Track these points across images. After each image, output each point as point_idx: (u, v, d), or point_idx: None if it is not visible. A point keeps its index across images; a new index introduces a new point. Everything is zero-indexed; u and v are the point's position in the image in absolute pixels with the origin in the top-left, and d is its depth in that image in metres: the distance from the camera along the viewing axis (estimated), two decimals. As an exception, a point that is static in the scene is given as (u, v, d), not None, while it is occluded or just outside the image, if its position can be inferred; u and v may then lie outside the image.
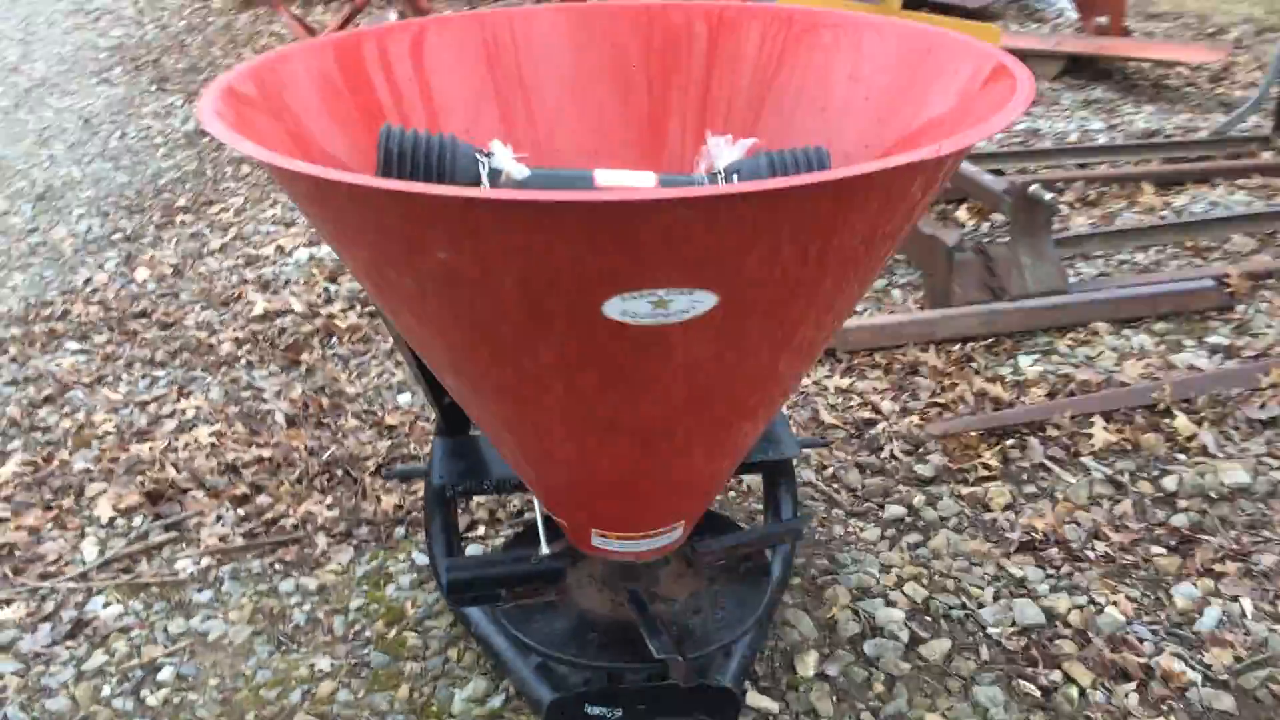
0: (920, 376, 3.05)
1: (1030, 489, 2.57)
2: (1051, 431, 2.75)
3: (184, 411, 3.00)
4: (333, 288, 3.65)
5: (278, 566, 2.40)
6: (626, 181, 1.76)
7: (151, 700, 2.05)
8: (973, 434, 2.75)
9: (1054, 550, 2.36)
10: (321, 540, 2.46)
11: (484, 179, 1.71)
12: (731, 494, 2.59)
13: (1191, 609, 2.18)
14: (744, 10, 1.84)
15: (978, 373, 3.05)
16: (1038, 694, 2.01)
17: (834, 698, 2.03)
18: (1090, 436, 2.72)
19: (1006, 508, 2.51)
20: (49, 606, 2.30)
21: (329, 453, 2.76)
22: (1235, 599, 2.20)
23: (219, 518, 2.55)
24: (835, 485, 2.62)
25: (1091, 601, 2.21)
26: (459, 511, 2.50)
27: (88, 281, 3.92)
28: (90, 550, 2.46)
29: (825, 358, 3.15)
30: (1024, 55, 6.14)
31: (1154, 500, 2.51)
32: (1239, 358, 3.06)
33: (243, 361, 3.28)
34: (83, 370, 3.27)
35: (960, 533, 2.44)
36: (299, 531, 2.50)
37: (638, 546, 1.85)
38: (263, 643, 2.19)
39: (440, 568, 2.02)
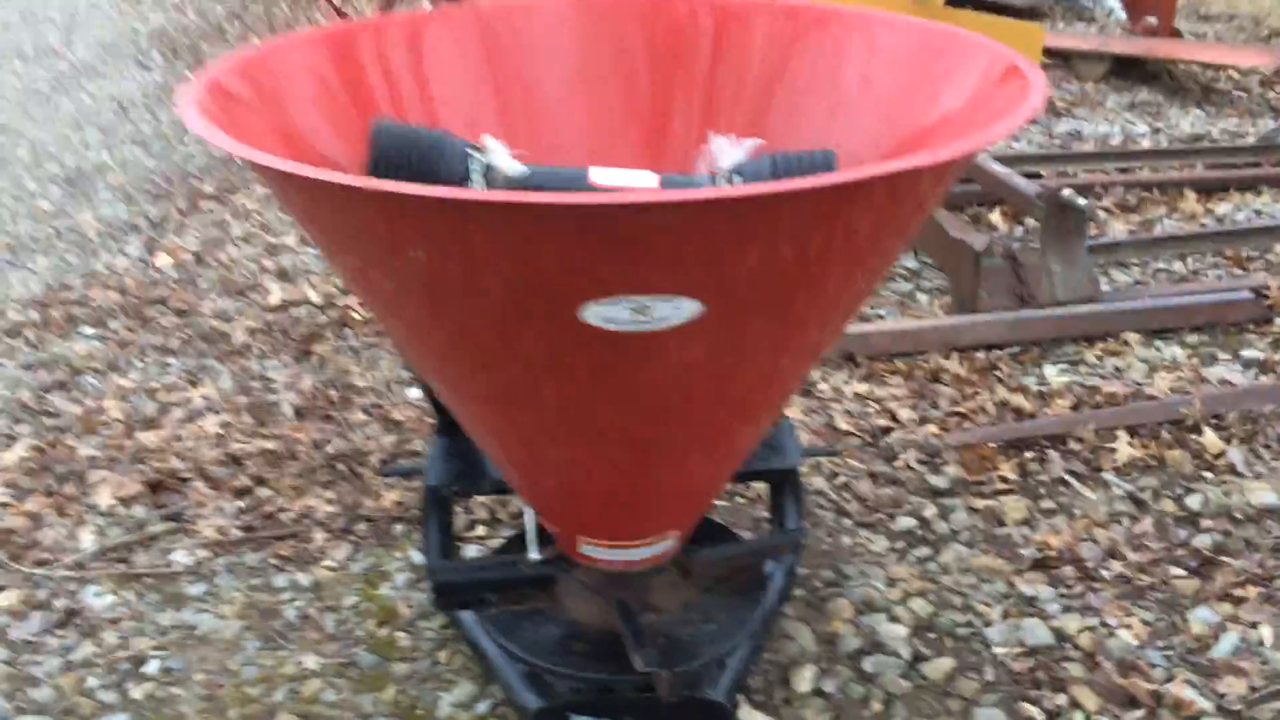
0: (942, 384, 2.97)
1: (1048, 504, 2.49)
2: (1073, 445, 2.67)
3: (193, 400, 2.98)
4: (350, 278, 3.63)
5: (273, 561, 2.37)
6: (624, 181, 1.70)
7: (136, 694, 2.03)
8: (991, 445, 2.67)
9: (1068, 569, 2.28)
10: (319, 536, 2.43)
11: (476, 176, 1.66)
12: (739, 500, 2.53)
13: (1207, 634, 2.10)
14: (750, 4, 1.78)
15: (1001, 382, 2.97)
16: (1041, 718, 1.93)
17: (829, 715, 1.96)
18: (1114, 451, 2.64)
19: (1022, 523, 2.43)
20: (42, 594, 2.28)
21: (333, 446, 2.73)
22: (1254, 625, 2.11)
23: (218, 509, 2.52)
24: (846, 494, 2.55)
25: (1103, 623, 2.13)
26: (458, 511, 2.46)
27: (109, 267, 3.92)
28: (88, 539, 2.44)
29: (844, 363, 3.08)
30: (1069, 55, 6.02)
31: (1176, 519, 2.42)
32: (1275, 373, 2.95)
33: (255, 351, 3.26)
34: (97, 356, 3.26)
35: (972, 547, 2.36)
36: (297, 526, 2.46)
37: (627, 555, 1.80)
38: (252, 638, 2.16)
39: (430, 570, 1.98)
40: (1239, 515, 2.41)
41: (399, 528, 2.46)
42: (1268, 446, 2.64)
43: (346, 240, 1.33)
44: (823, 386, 2.96)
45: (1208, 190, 4.24)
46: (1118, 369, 3.02)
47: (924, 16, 4.13)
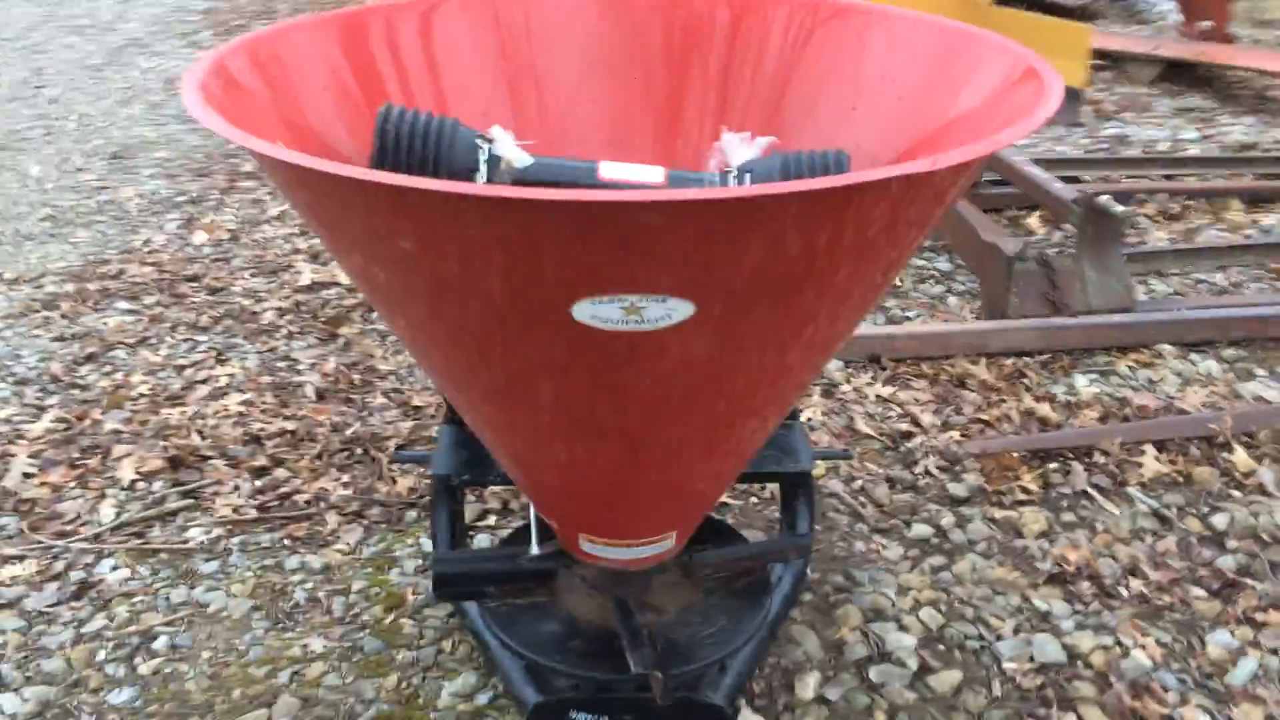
0: (967, 390, 2.92)
1: (1068, 517, 2.45)
2: (1099, 458, 2.62)
3: (218, 378, 3.00)
4: (381, 262, 3.64)
5: (286, 542, 2.38)
6: (632, 176, 1.68)
7: (143, 669, 2.05)
8: (1014, 455, 2.62)
9: (1085, 585, 2.24)
10: (332, 519, 2.44)
11: (483, 166, 1.65)
12: (753, 500, 2.51)
13: (1225, 659, 2.05)
14: None
15: (1029, 390, 2.92)
16: (1047, 738, 1.90)
17: (831, 723, 1.94)
18: (1140, 466, 2.58)
19: (1040, 535, 2.39)
20: (59, 566, 2.31)
21: (352, 430, 2.74)
22: (1275, 652, 2.06)
23: (235, 488, 2.54)
24: (862, 499, 2.52)
25: (1118, 643, 2.09)
26: (470, 499, 2.47)
27: (146, 242, 3.96)
28: (107, 512, 2.47)
29: (869, 364, 3.04)
30: (1120, 57, 5.92)
31: (1200, 538, 2.37)
32: (1312, 391, 2.89)
33: (283, 331, 3.28)
34: (128, 330, 3.30)
35: (988, 559, 2.33)
36: (311, 508, 2.48)
37: (626, 554, 1.78)
38: (260, 619, 2.17)
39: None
40: (1266, 537, 2.35)
41: (412, 514, 2.47)
42: (1300, 467, 2.58)
43: (336, 228, 1.32)
44: (845, 388, 2.93)
45: (1255, 201, 4.15)
46: (1150, 381, 2.96)
47: (971, 15, 4.09)
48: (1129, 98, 5.56)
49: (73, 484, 2.57)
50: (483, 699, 1.99)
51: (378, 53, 1.73)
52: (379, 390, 2.93)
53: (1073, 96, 5.14)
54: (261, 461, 2.63)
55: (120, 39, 6.96)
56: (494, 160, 1.67)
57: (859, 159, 1.69)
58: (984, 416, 2.80)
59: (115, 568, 2.31)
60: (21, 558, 2.33)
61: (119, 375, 3.05)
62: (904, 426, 2.77)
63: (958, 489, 2.53)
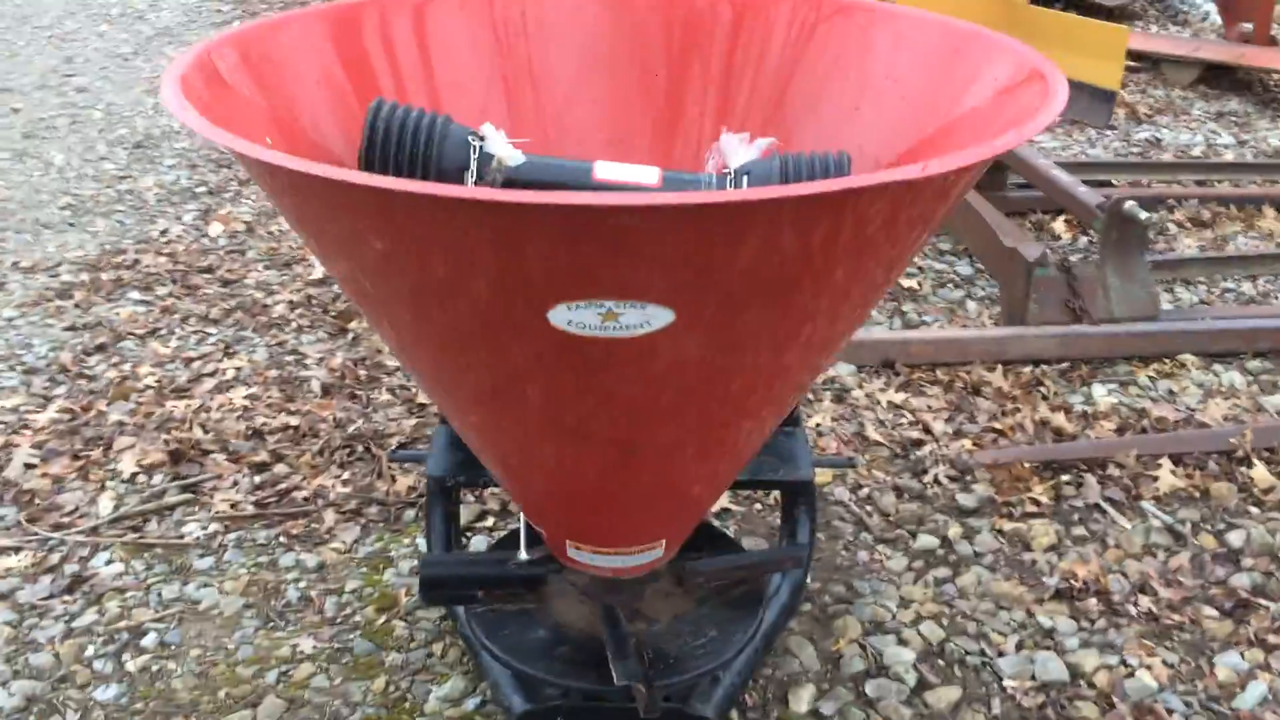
0: (982, 398, 2.86)
1: (1079, 531, 2.39)
2: (1113, 470, 2.55)
3: (225, 371, 2.99)
4: (394, 256, 3.62)
5: (283, 539, 2.36)
6: (627, 176, 1.64)
7: (131, 665, 2.03)
8: (1026, 465, 2.56)
9: (1092, 601, 2.18)
10: (330, 516, 2.42)
11: (474, 164, 1.62)
12: (756, 507, 2.47)
13: (1234, 682, 1.98)
14: (771, -5, 1.71)
15: (1045, 399, 2.85)
16: (1045, 760, 1.85)
17: (824, 739, 1.90)
18: (1155, 479, 2.52)
19: (1049, 549, 2.33)
20: (54, 558, 2.30)
21: (355, 426, 2.72)
22: (1287, 677, 2.00)
23: (235, 483, 2.53)
24: (868, 507, 2.47)
25: (1123, 662, 2.03)
26: (470, 500, 2.44)
27: (163, 232, 3.96)
28: (106, 505, 2.46)
29: (883, 370, 2.99)
30: (1157, 59, 5.81)
31: (1215, 556, 2.30)
32: (1338, 406, 2.80)
33: (293, 325, 3.27)
34: (139, 321, 3.30)
35: (994, 572, 2.27)
36: (309, 505, 2.46)
37: (614, 562, 1.74)
38: (251, 617, 2.15)
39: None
40: (1283, 556, 2.28)
41: (410, 513, 2.44)
42: (1322, 484, 2.50)
43: (311, 224, 1.29)
44: (857, 393, 2.88)
45: (1290, 208, 4.05)
46: (1170, 392, 2.88)
47: (1005, 14, 4.00)
48: (1165, 101, 5.45)
49: (74, 475, 2.57)
50: (470, 704, 1.96)
51: (371, 48, 1.70)
52: (385, 386, 2.91)
53: (1106, 99, 5.03)
54: (262, 457, 2.61)
55: (151, 29, 6.99)
56: (485, 159, 1.64)
57: (861, 159, 1.65)
58: (998, 425, 2.74)
59: (110, 562, 2.30)
60: (18, 549, 2.32)
61: (127, 366, 3.04)
62: (915, 434, 2.72)
63: (966, 499, 2.48)
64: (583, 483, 1.62)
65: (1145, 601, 2.17)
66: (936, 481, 2.54)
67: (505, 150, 1.63)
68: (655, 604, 1.87)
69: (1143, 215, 3.02)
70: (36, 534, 2.37)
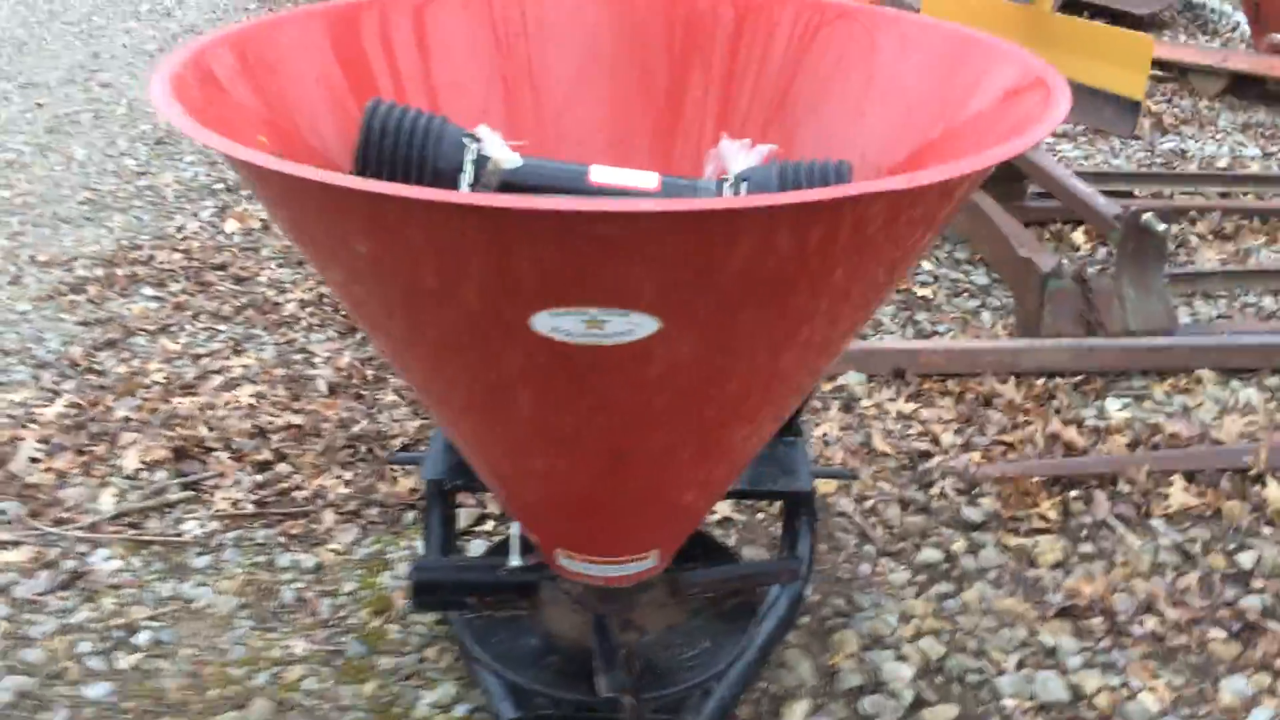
0: (993, 410, 2.83)
1: (1087, 548, 2.35)
2: (1124, 487, 2.51)
3: (233, 369, 2.99)
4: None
5: (281, 539, 2.36)
6: (624, 180, 1.62)
7: (122, 663, 2.03)
8: (1035, 480, 2.52)
9: (1097, 620, 2.14)
10: (329, 517, 2.41)
11: (469, 166, 1.60)
12: (759, 517, 2.44)
13: (1238, 707, 1.94)
14: (772, -1, 1.68)
15: (1057, 412, 2.81)
16: (1042, 783, 1.81)
17: (817, 755, 1.87)
18: (1166, 497, 2.47)
19: (1055, 566, 2.29)
20: (53, 554, 2.30)
21: (359, 427, 2.71)
22: (1293, 702, 1.95)
23: (237, 482, 2.52)
24: (872, 519, 2.43)
25: (1126, 683, 1.99)
26: (470, 503, 2.42)
27: (180, 229, 3.97)
28: (107, 501, 2.46)
29: (893, 379, 2.95)
30: (1185, 69, 5.74)
31: (1225, 577, 2.26)
32: (1358, 426, 2.75)
33: (303, 324, 3.27)
34: (151, 317, 3.30)
35: (998, 588, 2.24)
36: (310, 506, 2.45)
37: (605, 571, 1.72)
38: (246, 617, 2.15)
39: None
40: (1295, 578, 2.24)
41: (410, 516, 2.43)
42: (1338, 505, 2.45)
43: (296, 227, 1.28)
44: (865, 403, 2.85)
45: (1315, 223, 3.98)
46: (1185, 408, 2.84)
47: (1031, 23, 3.95)
48: (1191, 111, 5.38)
49: (77, 471, 2.57)
50: (461, 710, 1.94)
51: (370, 48, 1.69)
52: (391, 387, 2.90)
53: (1131, 108, 4.97)
54: (265, 456, 2.60)
55: (178, 26, 7.02)
56: (481, 161, 1.62)
57: (862, 164, 1.62)
58: (1008, 439, 2.70)
59: (108, 558, 2.29)
60: (17, 544, 2.33)
61: (136, 362, 3.05)
62: (923, 445, 2.68)
63: (973, 513, 2.44)
64: (574, 490, 1.60)
65: (1151, 622, 2.13)
66: (943, 494, 2.51)
67: (501, 152, 1.62)
68: (648, 614, 1.85)
69: (1160, 227, 2.98)
70: (37, 529, 2.38)
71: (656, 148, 1.77)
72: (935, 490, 2.52)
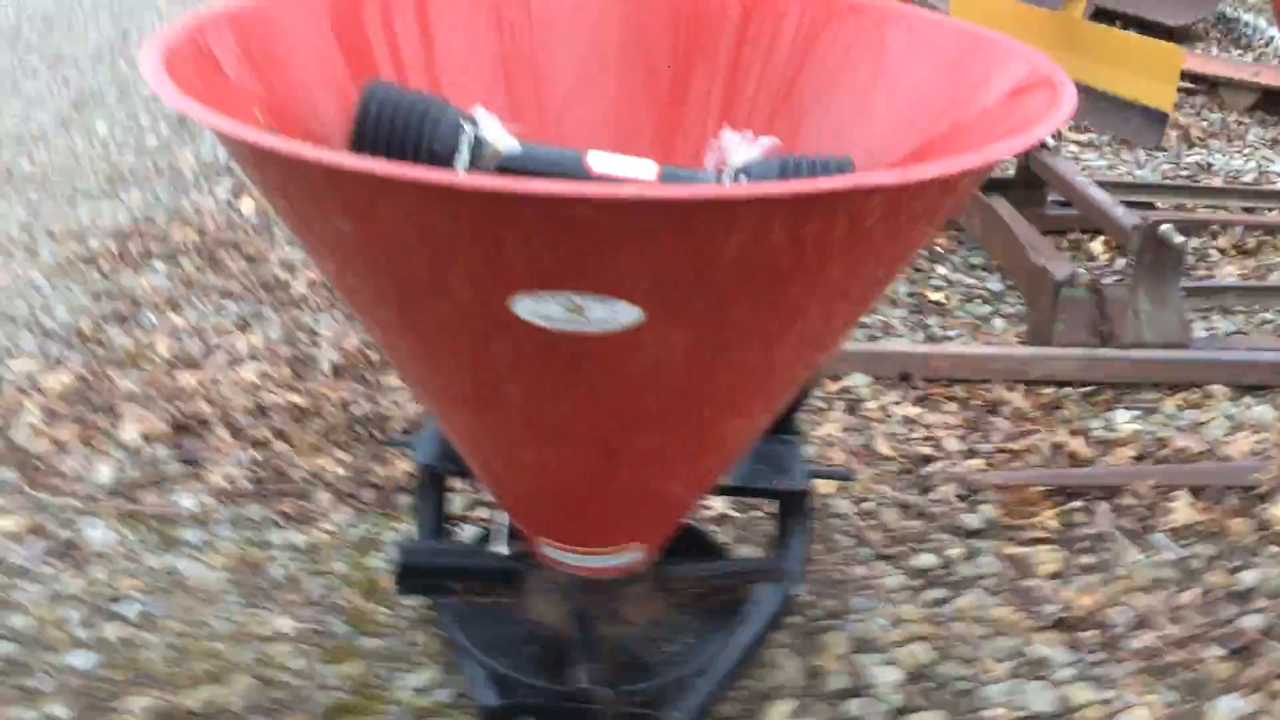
0: (999, 417, 2.80)
1: (1086, 559, 2.32)
2: (1128, 499, 2.48)
3: (238, 346, 2.99)
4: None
5: (274, 517, 2.35)
6: (623, 169, 1.61)
7: (108, 633, 2.03)
8: (1037, 489, 2.49)
9: (1091, 633, 2.11)
10: (324, 497, 2.41)
11: (465, 149, 1.59)
12: (756, 514, 2.42)
13: (1231, 728, 1.91)
14: (780, -9, 1.66)
15: (1064, 422, 2.78)
16: (1025, 794, 1.79)
17: (798, 756, 1.85)
18: (1171, 511, 2.44)
19: (1052, 576, 2.26)
20: (48, 522, 2.31)
21: (359, 409, 2.70)
22: (1287, 724, 1.92)
23: (234, 459, 2.52)
24: (870, 521, 2.41)
25: (1117, 698, 1.96)
26: (466, 488, 2.41)
27: (195, 206, 3.98)
28: (105, 473, 2.47)
29: (899, 383, 2.93)
30: (1215, 82, 5.68)
31: (1225, 595, 2.22)
32: (1370, 448, 2.70)
33: (311, 304, 3.26)
34: (161, 292, 3.31)
35: (993, 595, 2.21)
36: (305, 485, 2.44)
37: (590, 562, 1.71)
38: (234, 593, 2.14)
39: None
40: (1296, 599, 2.20)
41: (405, 499, 2.42)
42: (1345, 527, 2.41)
43: (282, 205, 1.27)
44: (870, 404, 2.82)
45: (1339, 241, 3.92)
46: (1197, 423, 2.80)
47: (1062, 30, 3.90)
48: (1219, 125, 5.32)
49: (77, 442, 2.57)
50: (443, 695, 1.93)
51: (372, 32, 1.68)
52: (394, 370, 2.89)
53: (1158, 119, 4.91)
54: (264, 434, 2.60)
55: (207, 6, 7.06)
56: (478, 144, 1.61)
57: (867, 161, 1.60)
58: (1012, 446, 2.67)
59: (101, 529, 2.29)
60: (13, 512, 2.33)
61: (143, 336, 3.05)
62: (926, 450, 2.66)
63: (972, 520, 2.41)
64: (561, 481, 1.59)
65: (1147, 637, 2.10)
66: (944, 500, 2.48)
67: (499, 136, 1.61)
68: (633, 607, 1.83)
69: (1178, 239, 2.94)
70: (34, 496, 2.38)
71: (659, 140, 1.75)
72: (935, 495, 2.50)
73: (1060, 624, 2.13)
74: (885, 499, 2.48)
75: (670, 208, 1.06)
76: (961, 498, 2.49)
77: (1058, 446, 2.66)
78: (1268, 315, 3.39)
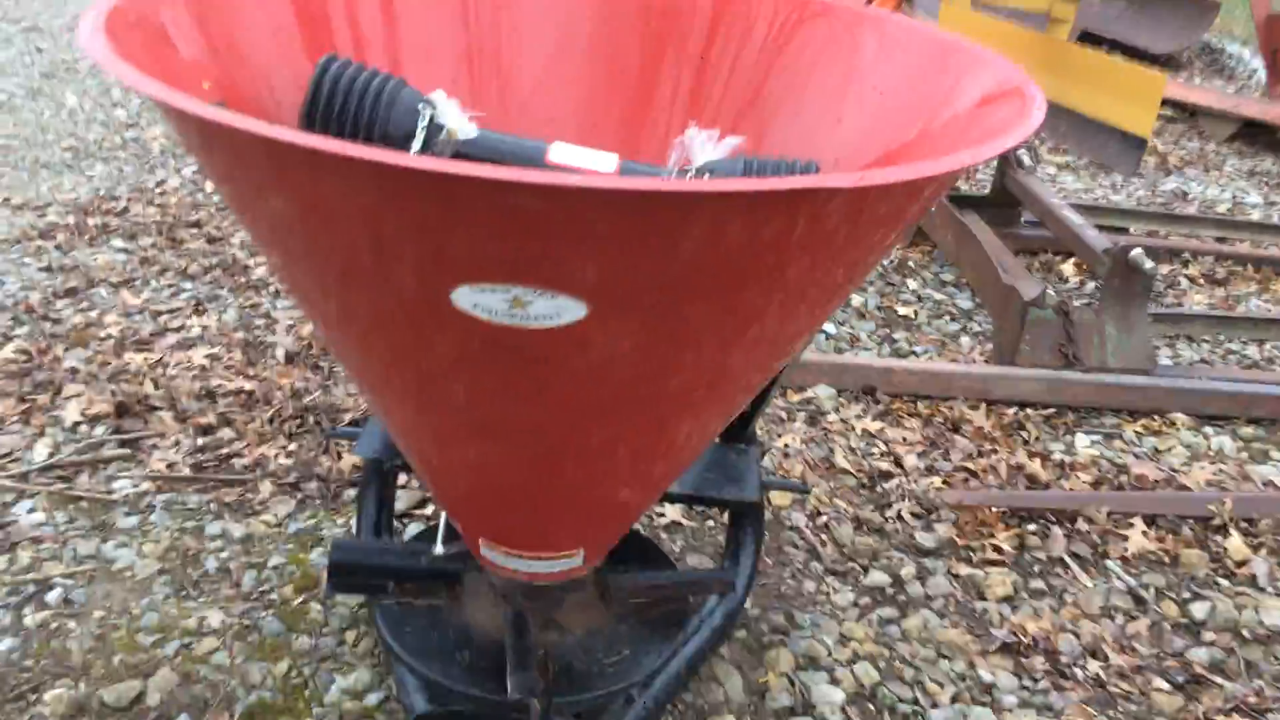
0: (960, 435, 2.76)
1: (1038, 584, 2.28)
2: (1082, 525, 2.45)
3: (191, 328, 2.92)
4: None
5: (213, 506, 2.29)
6: (583, 161, 1.56)
7: (29, 620, 1.96)
8: (993, 510, 2.46)
9: (1038, 659, 2.07)
10: (266, 487, 2.34)
11: (421, 133, 1.53)
12: (709, 524, 2.37)
13: (1175, 763, 1.88)
14: (750, -11, 1.62)
15: (1025, 444, 2.75)
16: (963, 823, 1.75)
17: (735, 775, 1.80)
18: (1125, 539, 2.41)
19: (1003, 600, 2.23)
20: (-23, 501, 2.24)
21: (311, 398, 2.64)
22: (1232, 762, 1.89)
23: (176, 443, 2.45)
24: (824, 536, 2.37)
25: (1062, 728, 1.93)
26: (415, 485, 2.36)
27: (160, 184, 3.90)
28: (41, 451, 2.39)
29: (863, 396, 2.89)
30: (1196, 111, 5.69)
31: (1176, 626, 2.20)
32: (1329, 483, 2.68)
33: (270, 289, 3.20)
34: (116, 269, 3.23)
35: (942, 617, 2.17)
36: (248, 474, 2.38)
37: (530, 566, 1.66)
38: (164, 584, 2.08)
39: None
40: (1247, 634, 2.17)
41: (350, 492, 2.36)
42: (1301, 563, 2.39)
43: (218, 178, 1.21)
44: (832, 417, 2.78)
45: (1309, 275, 3.92)
46: (1156, 450, 2.77)
47: (1049, 51, 3.88)
48: (1197, 153, 5.32)
49: (15, 418, 2.50)
50: (372, 699, 1.87)
51: (332, 7, 1.62)
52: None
53: (1136, 145, 4.92)
54: (210, 419, 2.53)
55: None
56: (435, 129, 1.56)
57: (834, 165, 1.56)
58: (971, 466, 2.63)
59: (32, 510, 2.22)
60: (-58, 487, 2.26)
61: (93, 313, 2.98)
62: (885, 466, 2.62)
63: (926, 539, 2.37)
64: (502, 481, 1.53)
65: (1094, 666, 2.07)
66: (899, 517, 2.44)
67: (457, 121, 1.55)
68: (573, 615, 1.78)
69: (1148, 265, 2.91)
70: (-35, 474, 2.31)
71: (625, 135, 1.70)
72: (891, 512, 2.46)
73: (1008, 649, 2.09)
74: (841, 514, 2.44)
75: (618, 199, 1.01)
76: (918, 516, 2.46)
77: (1017, 468, 2.63)
78: (1234, 346, 3.38)
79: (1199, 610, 2.22)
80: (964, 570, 2.29)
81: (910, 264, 3.73)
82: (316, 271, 1.27)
